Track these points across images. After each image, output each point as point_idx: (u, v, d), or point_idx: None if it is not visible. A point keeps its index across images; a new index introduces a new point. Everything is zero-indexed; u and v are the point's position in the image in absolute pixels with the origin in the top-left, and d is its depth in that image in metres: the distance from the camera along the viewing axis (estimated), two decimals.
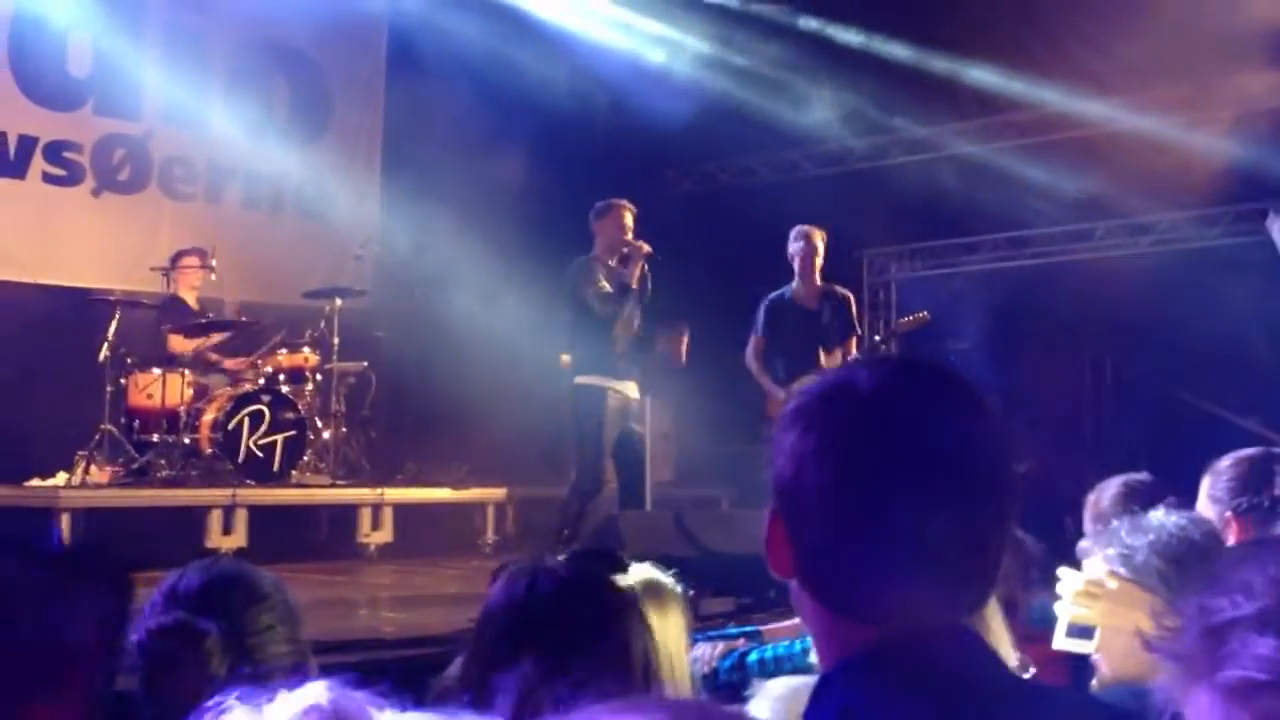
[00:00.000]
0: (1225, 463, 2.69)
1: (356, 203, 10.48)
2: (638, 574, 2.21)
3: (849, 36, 10.65)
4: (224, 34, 10.11)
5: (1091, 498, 3.42)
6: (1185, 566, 2.10)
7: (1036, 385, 11.23)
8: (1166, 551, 2.13)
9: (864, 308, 10.59)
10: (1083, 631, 2.19)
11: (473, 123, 9.75)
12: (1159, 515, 2.23)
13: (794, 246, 7.68)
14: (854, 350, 7.74)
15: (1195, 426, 9.87)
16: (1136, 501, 3.20)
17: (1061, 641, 2.22)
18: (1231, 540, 2.51)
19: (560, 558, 1.89)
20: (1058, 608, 2.24)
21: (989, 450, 1.21)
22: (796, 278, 7.70)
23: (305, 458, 8.60)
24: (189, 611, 1.91)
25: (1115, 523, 2.28)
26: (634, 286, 7.03)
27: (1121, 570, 2.19)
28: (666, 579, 2.26)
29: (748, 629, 3.35)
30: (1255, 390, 10.30)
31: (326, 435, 8.90)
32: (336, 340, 8.95)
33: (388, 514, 8.58)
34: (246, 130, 9.89)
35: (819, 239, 7.66)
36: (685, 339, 7.38)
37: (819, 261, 7.66)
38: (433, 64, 9.94)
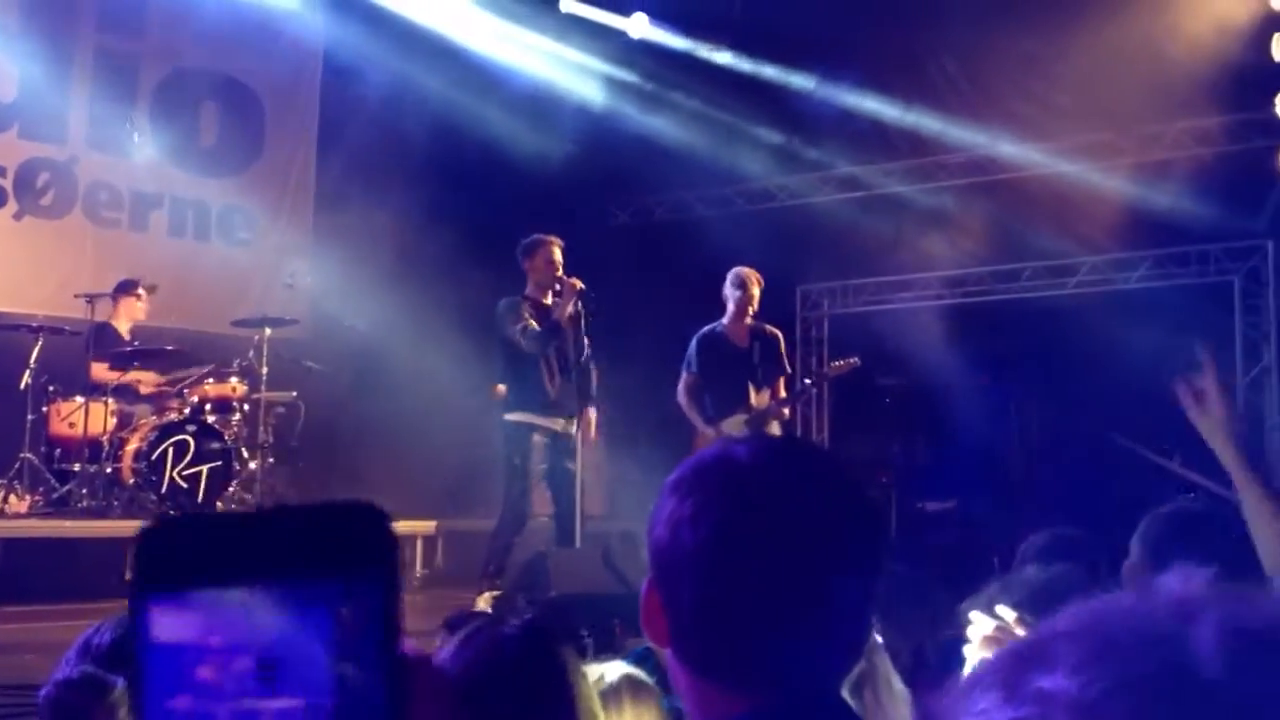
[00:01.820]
0: (1156, 512, 2.73)
1: (287, 231, 10.40)
2: (620, 669, 2.18)
3: (784, 77, 10.80)
4: (154, 59, 10.00)
5: (1024, 546, 3.46)
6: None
7: (965, 423, 11.38)
8: (1032, 607, 2.17)
9: (796, 343, 10.68)
10: None
11: (408, 154, 9.74)
12: (1030, 572, 2.26)
13: (731, 292, 7.66)
14: (783, 390, 7.77)
15: (1121, 466, 10.06)
16: (1060, 555, 3.25)
17: None
18: None
19: (517, 622, 1.87)
20: (965, 650, 2.25)
21: (859, 521, 1.23)
22: (728, 316, 7.72)
23: (231, 489, 8.47)
24: (101, 665, 1.87)
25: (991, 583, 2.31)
26: (563, 324, 6.97)
27: (1029, 618, 2.22)
28: (644, 678, 2.23)
29: None
30: (1176, 431, 10.51)
31: (253, 466, 8.77)
32: (265, 370, 8.83)
33: None
34: (173, 156, 9.78)
35: (756, 288, 7.65)
36: (593, 418, 7.31)
37: (753, 309, 7.69)
38: (370, 95, 9.93)
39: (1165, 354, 9.55)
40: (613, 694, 2.10)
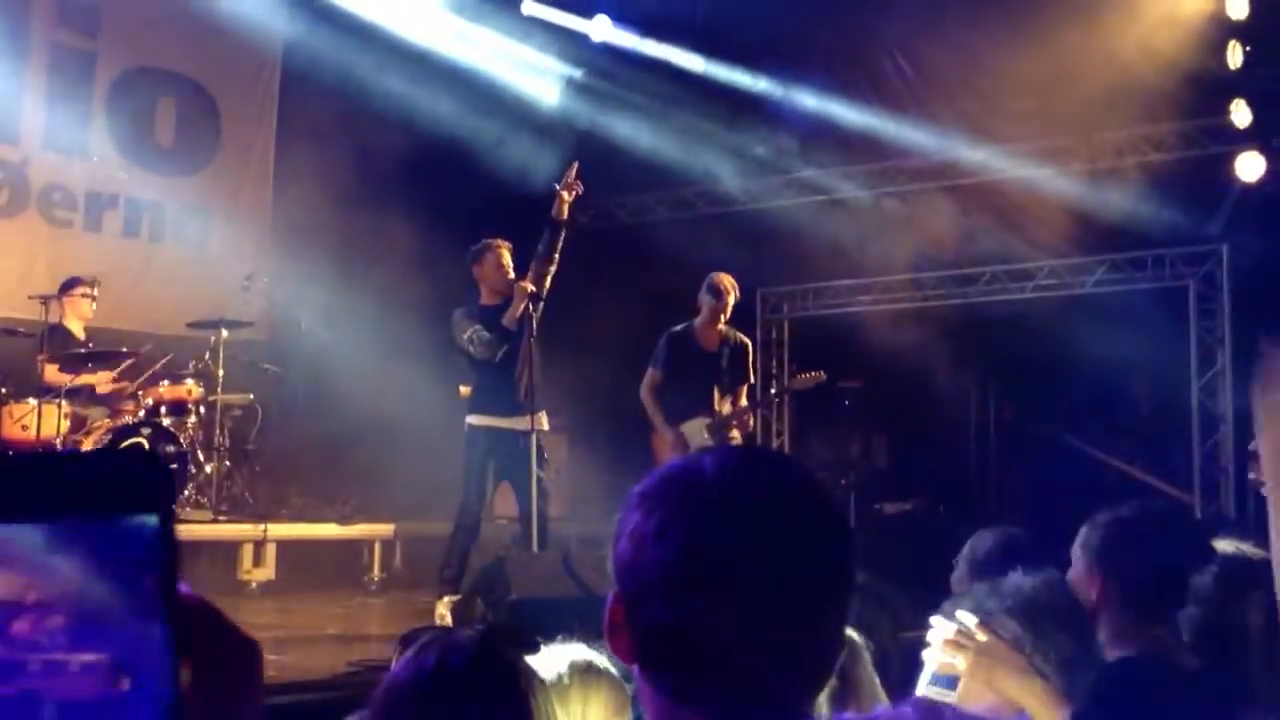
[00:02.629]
0: (1103, 517, 2.74)
1: (245, 232, 10.30)
2: (570, 654, 2.18)
3: (746, 80, 10.82)
4: (109, 58, 9.87)
5: (967, 547, 3.47)
6: (1041, 629, 2.15)
7: (924, 425, 11.45)
8: (1024, 614, 2.18)
9: (757, 345, 10.70)
10: (948, 681, 2.20)
11: (368, 157, 9.67)
12: (1016, 578, 2.27)
13: (706, 298, 7.64)
14: (744, 398, 7.77)
15: (1079, 470, 10.15)
16: (1012, 557, 3.26)
17: (925, 689, 2.23)
18: (1095, 593, 2.56)
19: (470, 633, 1.86)
20: (925, 654, 2.25)
21: (827, 536, 1.21)
22: (700, 320, 7.71)
23: (186, 492, 8.38)
24: None
25: (976, 585, 2.31)
26: (511, 328, 6.92)
27: (1018, 623, 2.22)
28: (600, 660, 2.22)
29: None
30: (1133, 435, 10.64)
31: (209, 469, 8.68)
32: (221, 372, 8.75)
33: (270, 550, 8.39)
34: (129, 156, 9.66)
35: (732, 296, 7.63)
36: (544, 420, 7.29)
37: (726, 316, 7.68)
38: (330, 96, 9.85)
39: (1123, 356, 9.67)
40: (566, 682, 2.10)
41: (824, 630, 1.20)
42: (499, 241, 7.14)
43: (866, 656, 2.02)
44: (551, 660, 2.18)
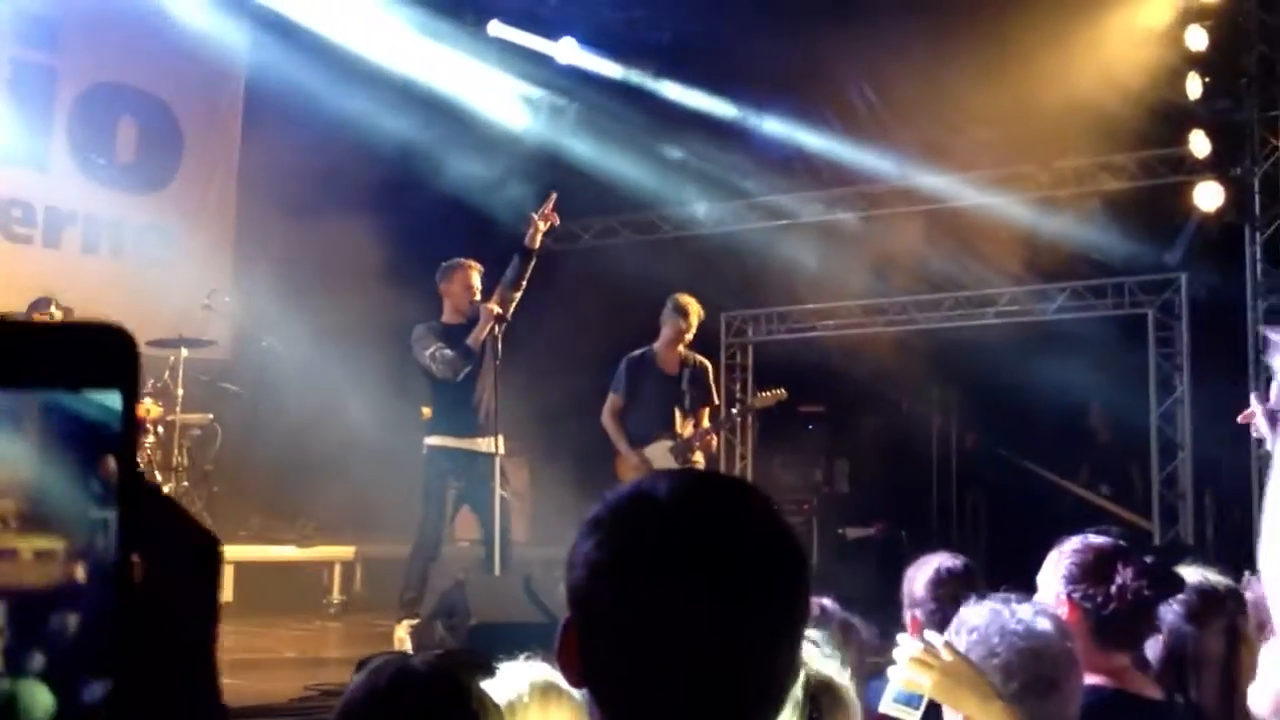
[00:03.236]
0: (1073, 545, 2.75)
1: (207, 251, 10.20)
2: (530, 673, 2.17)
3: (711, 105, 10.87)
4: (72, 74, 9.79)
5: (907, 576, 3.49)
6: (1011, 666, 2.16)
7: (887, 450, 11.49)
8: (996, 650, 2.19)
9: (721, 369, 10.71)
10: (911, 699, 2.20)
11: (332, 176, 9.62)
12: (983, 613, 2.28)
13: (670, 318, 7.63)
14: (706, 419, 7.77)
15: (1039, 496, 10.22)
16: (947, 588, 3.29)
17: (889, 706, 2.22)
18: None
19: (426, 658, 1.85)
20: (890, 671, 2.25)
21: (784, 560, 1.21)
22: (661, 341, 7.70)
23: None
24: None
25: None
26: (474, 349, 6.89)
27: (957, 644, 2.22)
28: (562, 680, 2.20)
29: None
30: (1093, 461, 10.72)
31: (166, 489, 8.57)
32: (181, 391, 8.66)
33: (228, 572, 8.29)
34: (90, 173, 9.57)
35: (695, 317, 7.64)
36: (500, 443, 7.27)
37: (689, 337, 7.68)
38: (292, 116, 9.79)
39: (1083, 383, 9.74)
40: (526, 700, 2.10)
41: (777, 661, 1.19)
42: (470, 262, 7.12)
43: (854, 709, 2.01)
44: (512, 679, 2.18)
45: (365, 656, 1.87)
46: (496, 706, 1.84)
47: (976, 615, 2.30)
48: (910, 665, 2.19)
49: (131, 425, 0.62)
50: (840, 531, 11.10)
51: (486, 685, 2.22)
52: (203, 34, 9.86)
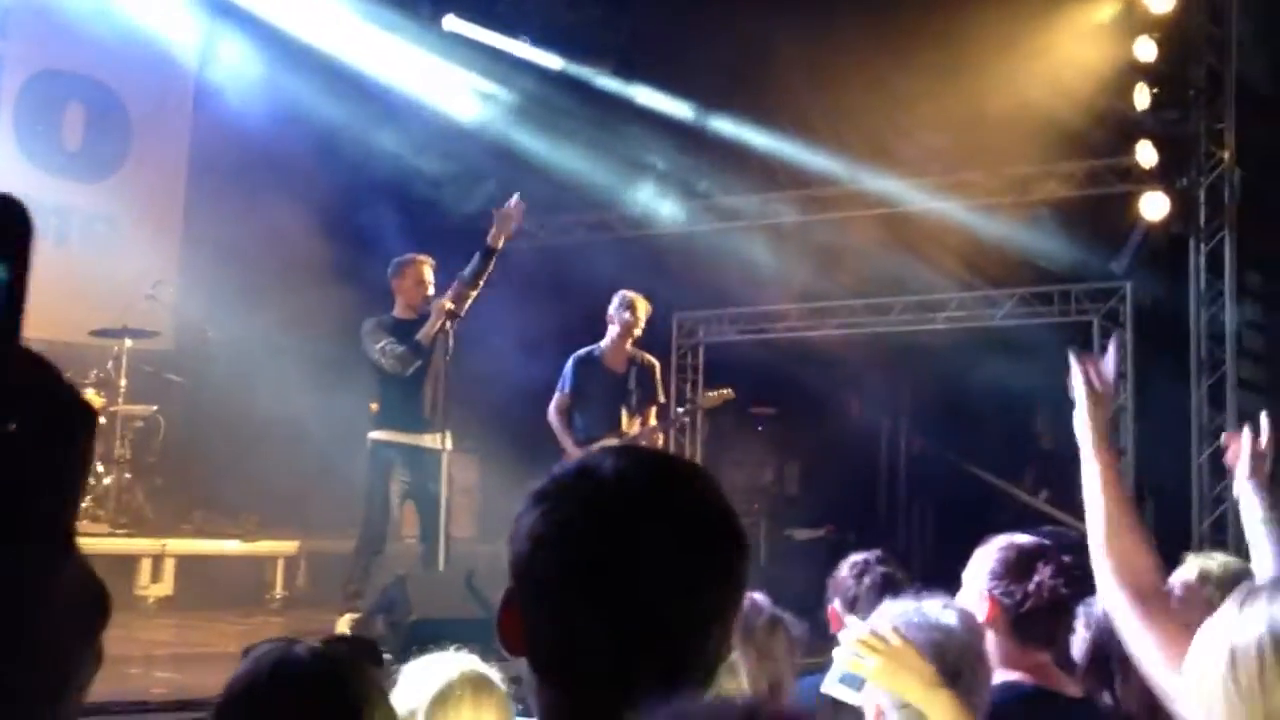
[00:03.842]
0: (998, 543, 2.79)
1: (153, 241, 10.07)
2: (460, 664, 2.18)
3: (668, 103, 10.88)
4: (18, 61, 9.65)
5: (837, 574, 3.53)
6: (946, 657, 2.18)
7: (836, 452, 11.55)
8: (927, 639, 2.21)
9: (672, 370, 10.71)
10: (854, 681, 2.21)
11: (283, 169, 9.54)
12: (911, 607, 2.31)
13: (618, 313, 7.63)
14: (653, 418, 7.77)
15: (985, 501, 10.30)
16: (867, 580, 3.36)
17: (832, 686, 2.24)
18: (983, 618, 2.59)
19: (310, 645, 1.85)
20: (835, 653, 2.26)
21: (723, 538, 1.23)
22: (608, 339, 7.70)
23: (84, 504, 8.15)
24: None
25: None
26: (425, 345, 6.86)
27: (903, 629, 2.24)
28: (491, 674, 2.22)
29: None
30: (1037, 467, 10.83)
31: (108, 481, 8.48)
32: (124, 382, 8.57)
33: (169, 565, 8.21)
34: (35, 159, 9.43)
35: (643, 312, 7.65)
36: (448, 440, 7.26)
37: (637, 333, 7.68)
38: (245, 108, 9.70)
39: (1028, 389, 9.83)
40: (459, 693, 2.09)
41: (711, 631, 1.22)
42: (423, 257, 7.11)
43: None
44: (443, 667, 2.19)
45: (251, 644, 1.88)
46: (384, 694, 1.85)
47: (893, 609, 2.33)
48: (857, 647, 2.20)
49: (19, 299, 0.62)
50: (788, 533, 11.13)
51: (416, 674, 2.22)
52: (155, 25, 9.75)
